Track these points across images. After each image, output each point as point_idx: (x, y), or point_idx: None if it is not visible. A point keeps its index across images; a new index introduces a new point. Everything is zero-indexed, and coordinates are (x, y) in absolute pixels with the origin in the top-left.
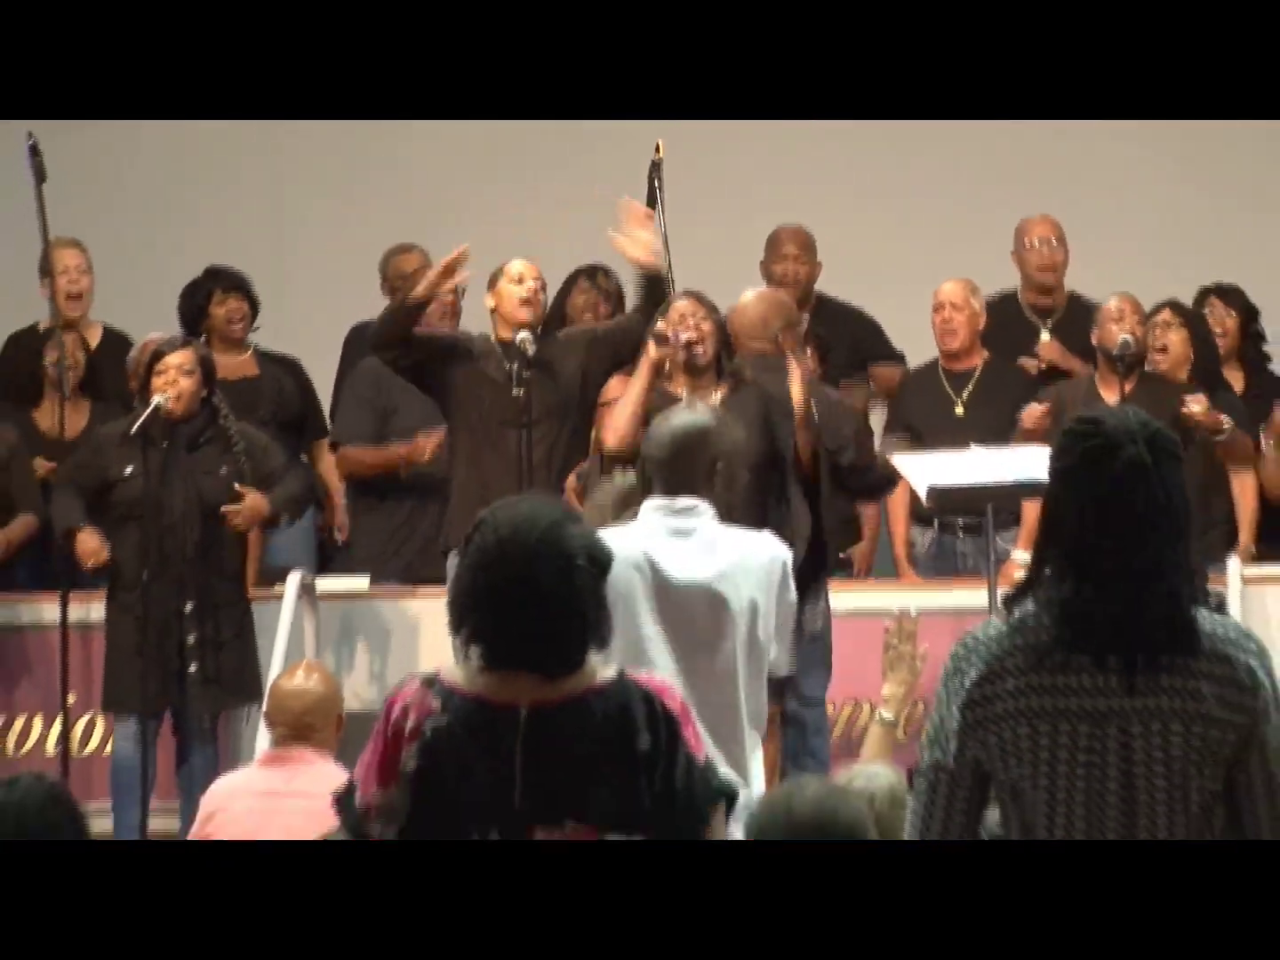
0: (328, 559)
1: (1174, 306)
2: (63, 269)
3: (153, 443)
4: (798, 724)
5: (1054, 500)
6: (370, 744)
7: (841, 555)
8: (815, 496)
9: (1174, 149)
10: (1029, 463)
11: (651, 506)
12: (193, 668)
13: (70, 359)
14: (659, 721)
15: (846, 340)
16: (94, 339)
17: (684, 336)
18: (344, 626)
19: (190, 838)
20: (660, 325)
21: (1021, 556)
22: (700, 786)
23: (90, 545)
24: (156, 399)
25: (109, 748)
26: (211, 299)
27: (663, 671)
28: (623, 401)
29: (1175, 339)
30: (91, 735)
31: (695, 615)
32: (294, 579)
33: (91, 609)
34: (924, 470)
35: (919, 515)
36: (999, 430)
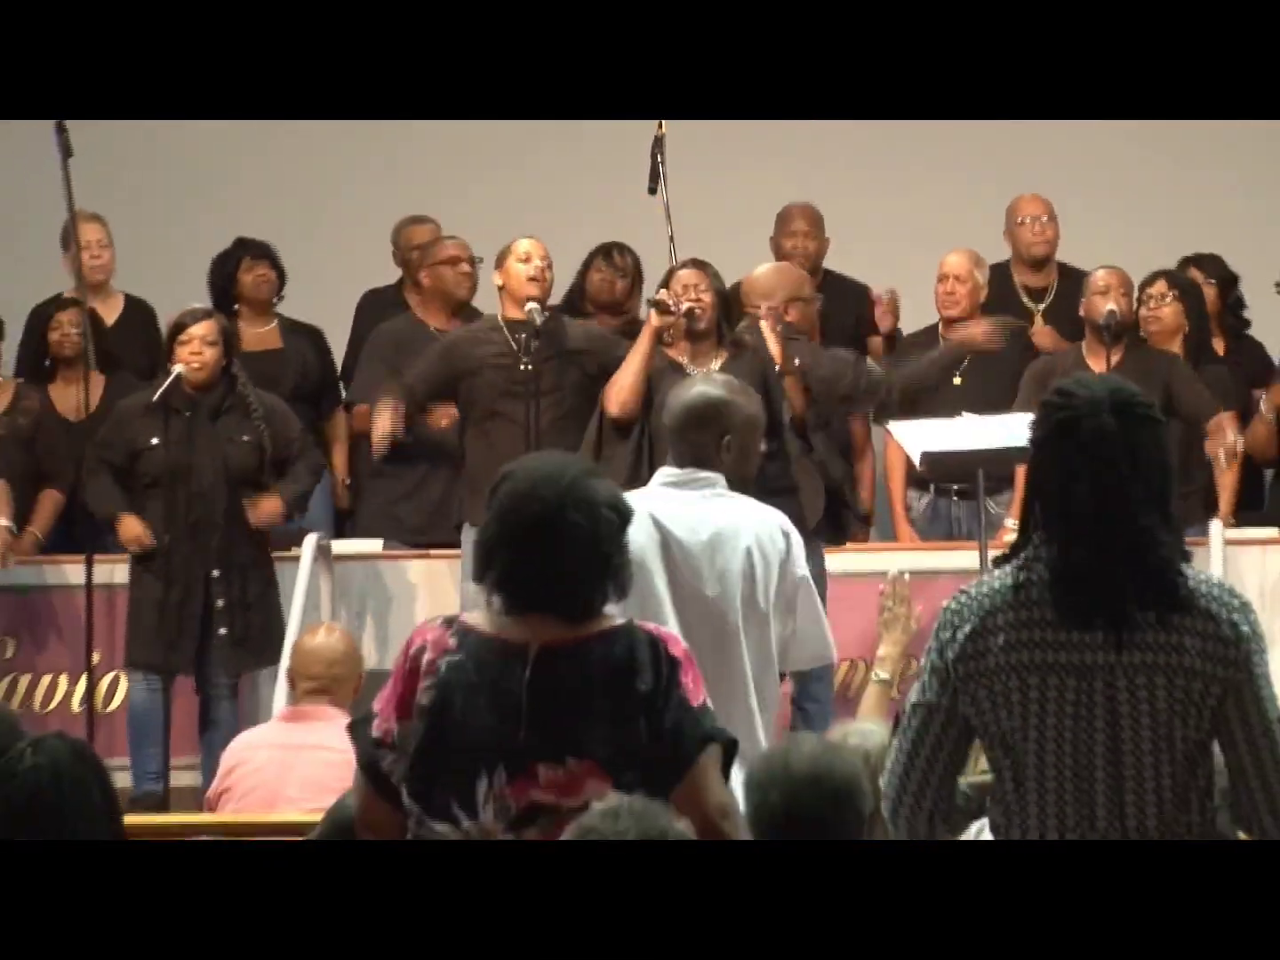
0: (342, 522)
1: (1169, 277)
2: (85, 244)
3: (176, 412)
4: (795, 685)
5: (1034, 468)
6: (390, 680)
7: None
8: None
9: (1156, 133)
10: (1018, 429)
11: (662, 476)
12: (222, 630)
13: (75, 334)
14: (661, 664)
15: (849, 314)
16: (116, 308)
17: (684, 305)
18: (358, 588)
19: (212, 792)
20: (662, 294)
21: (1013, 523)
22: (689, 726)
23: (134, 531)
24: (177, 368)
25: None
26: (240, 266)
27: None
28: (624, 369)
29: (1168, 311)
30: (115, 693)
31: (700, 581)
32: (310, 541)
33: (115, 571)
34: (917, 436)
35: (915, 479)
36: (994, 401)
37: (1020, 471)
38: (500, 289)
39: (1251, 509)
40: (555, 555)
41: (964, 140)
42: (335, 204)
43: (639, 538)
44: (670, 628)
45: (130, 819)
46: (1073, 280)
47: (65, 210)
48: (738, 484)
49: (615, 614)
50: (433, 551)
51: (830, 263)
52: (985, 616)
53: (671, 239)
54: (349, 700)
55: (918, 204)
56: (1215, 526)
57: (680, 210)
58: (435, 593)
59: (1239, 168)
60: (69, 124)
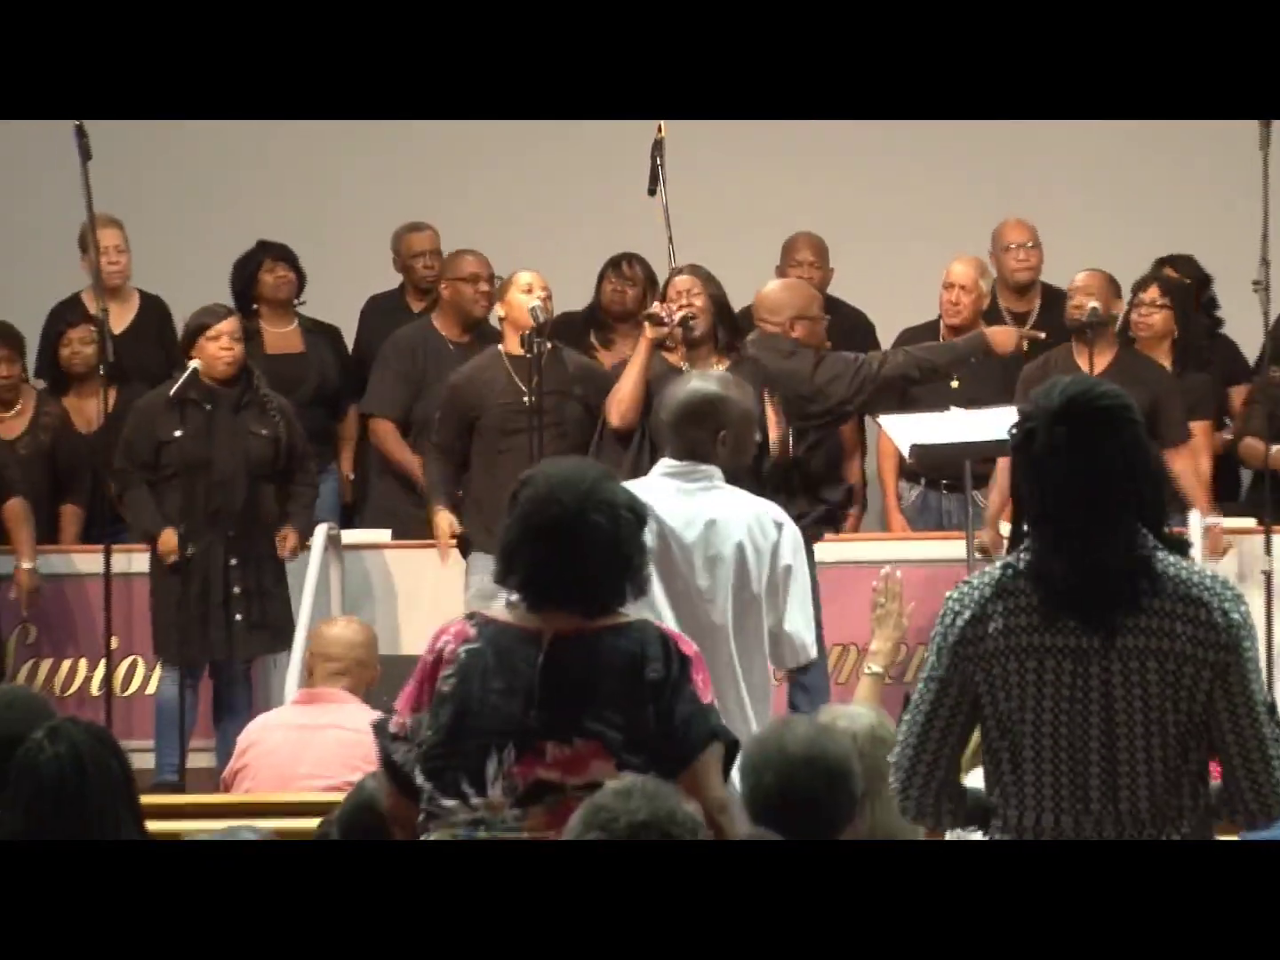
0: (349, 518)
1: (1161, 284)
2: (103, 249)
3: (198, 405)
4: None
5: (1012, 475)
6: (413, 677)
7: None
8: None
9: (1134, 134)
10: (1002, 423)
11: (661, 468)
12: (238, 616)
13: (87, 351)
14: (672, 659)
15: (846, 339)
16: (131, 308)
17: (678, 315)
18: (367, 576)
19: (227, 772)
20: (655, 307)
21: (1002, 526)
22: (698, 722)
23: (170, 545)
24: (193, 364)
25: (149, 688)
26: (262, 267)
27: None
28: (623, 381)
29: (1159, 318)
30: (133, 678)
31: (692, 572)
32: (320, 531)
33: (132, 560)
34: (907, 429)
35: (906, 471)
36: (991, 401)
37: (1001, 466)
38: (502, 320)
39: (1227, 500)
40: (576, 557)
41: (957, 141)
42: (337, 206)
43: None
44: (663, 617)
45: (148, 799)
46: (1056, 303)
47: (84, 213)
48: (733, 475)
49: (630, 613)
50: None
51: (829, 262)
52: (984, 603)
53: (670, 241)
54: (364, 689)
55: (914, 204)
56: (1194, 516)
57: (679, 212)
58: (441, 581)
59: (1212, 167)
60: (88, 128)
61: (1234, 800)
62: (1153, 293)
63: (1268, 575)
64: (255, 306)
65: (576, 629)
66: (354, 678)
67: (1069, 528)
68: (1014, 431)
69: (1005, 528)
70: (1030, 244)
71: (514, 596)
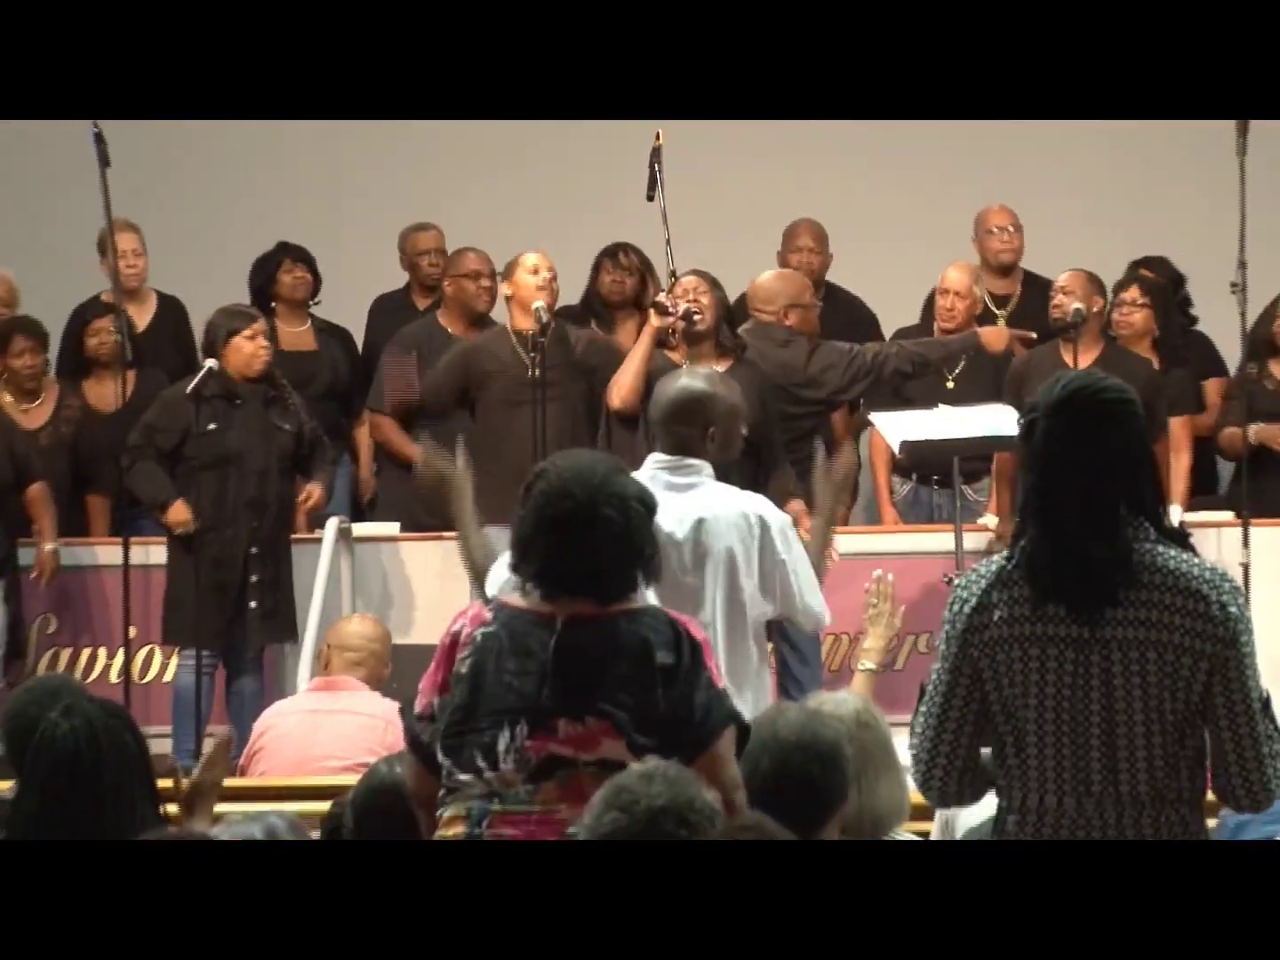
0: (361, 514)
1: (1141, 284)
2: (121, 252)
3: (226, 400)
4: (785, 664)
5: (1018, 465)
6: (434, 660)
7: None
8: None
9: (1115, 136)
10: (989, 420)
11: (652, 463)
12: (253, 604)
13: (113, 340)
14: (683, 644)
15: (846, 325)
16: (150, 309)
17: (683, 307)
18: (376, 568)
19: (244, 756)
20: (662, 297)
21: (990, 519)
22: (715, 708)
23: (181, 516)
24: (210, 362)
25: (166, 675)
26: (281, 267)
27: None
28: (625, 366)
29: (1139, 316)
30: (150, 665)
31: (681, 570)
32: (332, 525)
33: (150, 552)
34: (897, 426)
35: (898, 467)
36: (983, 401)
37: (996, 461)
38: (509, 299)
39: (1205, 493)
40: (589, 550)
41: (942, 142)
42: (343, 210)
43: None
44: None
45: (165, 782)
46: (1036, 289)
47: (103, 217)
48: (720, 469)
49: (641, 598)
50: (446, 535)
51: (828, 247)
52: (987, 592)
53: (669, 244)
54: (377, 681)
55: (899, 206)
56: (1174, 510)
57: (678, 213)
58: (448, 574)
59: (1194, 172)
60: (106, 134)
61: (1224, 791)
62: (1133, 292)
63: (1245, 567)
64: (272, 305)
65: (589, 613)
66: (369, 670)
67: (1061, 517)
68: (1020, 423)
69: (989, 519)
70: (1012, 228)
71: (529, 586)
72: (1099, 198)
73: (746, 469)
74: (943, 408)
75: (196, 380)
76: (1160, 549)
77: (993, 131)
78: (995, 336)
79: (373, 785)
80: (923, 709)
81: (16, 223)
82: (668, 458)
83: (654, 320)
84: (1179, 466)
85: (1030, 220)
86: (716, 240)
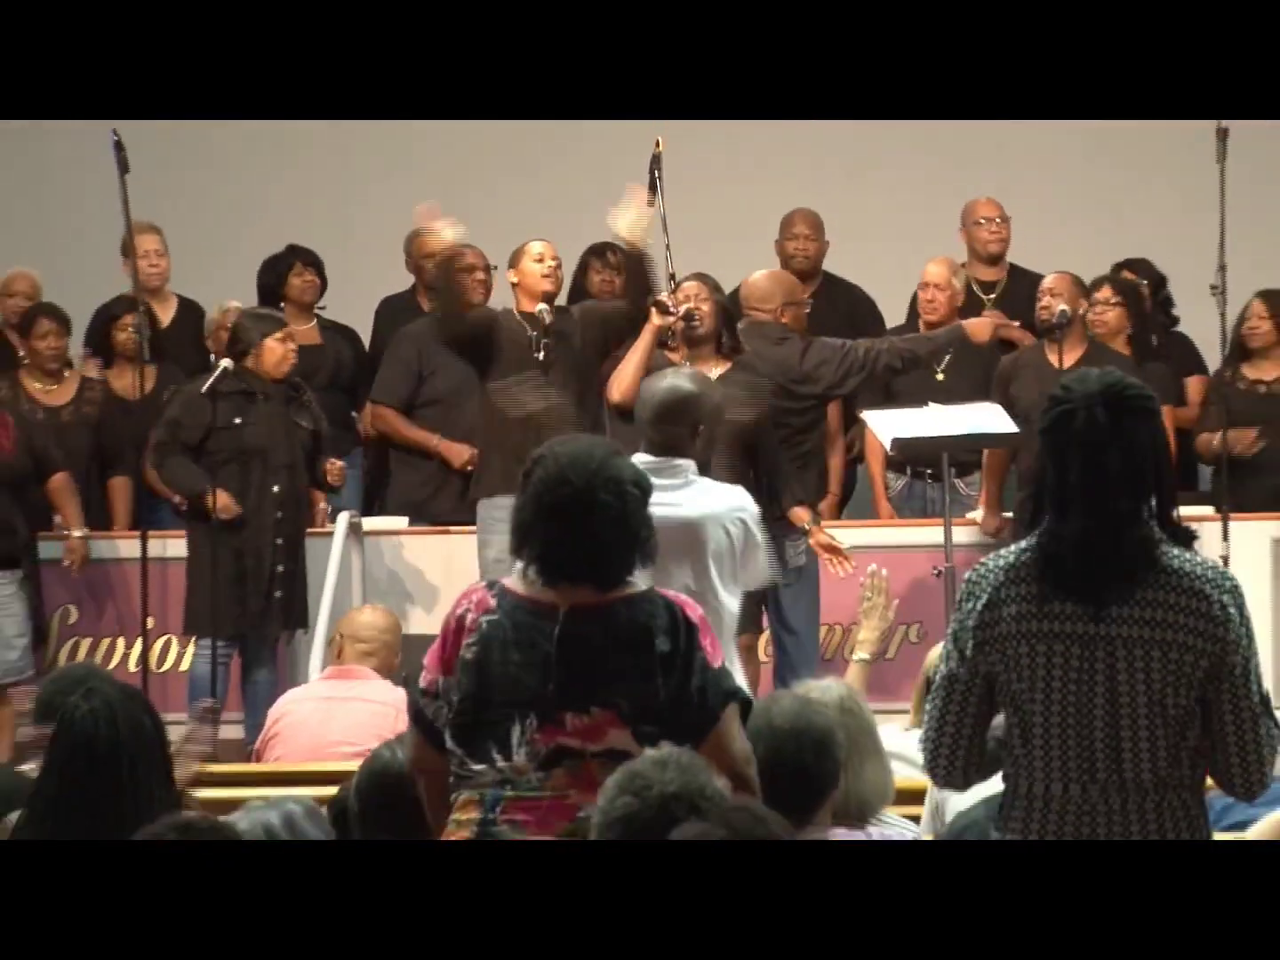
0: (372, 501)
1: (1113, 284)
2: (143, 253)
3: (250, 396)
4: (783, 651)
5: (1040, 456)
6: (438, 637)
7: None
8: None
9: (1099, 142)
10: (978, 418)
11: (639, 461)
12: (278, 594)
13: (138, 332)
14: (679, 628)
15: (844, 313)
16: (170, 309)
17: (683, 308)
18: (386, 561)
19: (259, 742)
20: (664, 295)
21: (977, 513)
22: (713, 688)
23: (224, 501)
24: (224, 362)
25: (183, 665)
26: (291, 269)
27: None
28: (626, 362)
29: (1112, 315)
30: (167, 655)
31: (667, 567)
32: (343, 518)
33: (167, 545)
34: (889, 423)
35: (893, 462)
36: (972, 394)
37: (986, 456)
38: (515, 286)
39: (1184, 488)
40: (588, 535)
41: (929, 143)
42: (339, 209)
43: None
44: None
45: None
46: (1023, 281)
47: (124, 221)
48: (702, 467)
49: (638, 581)
50: (453, 529)
51: (824, 235)
52: (998, 588)
53: (668, 248)
54: (388, 670)
55: (898, 205)
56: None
57: (678, 215)
58: (455, 566)
59: (1172, 172)
60: (125, 140)
61: (1221, 781)
62: (1105, 292)
63: (1224, 560)
64: (281, 306)
65: (589, 603)
66: (380, 659)
67: (1097, 505)
68: (1046, 415)
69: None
70: (999, 219)
71: (529, 570)
72: (1082, 199)
73: (741, 467)
74: (933, 405)
75: (212, 379)
76: (1164, 548)
77: (980, 134)
78: (979, 328)
79: (375, 769)
80: (930, 700)
81: (41, 224)
82: (653, 459)
83: (655, 318)
84: None
85: (1015, 220)
86: (713, 241)
